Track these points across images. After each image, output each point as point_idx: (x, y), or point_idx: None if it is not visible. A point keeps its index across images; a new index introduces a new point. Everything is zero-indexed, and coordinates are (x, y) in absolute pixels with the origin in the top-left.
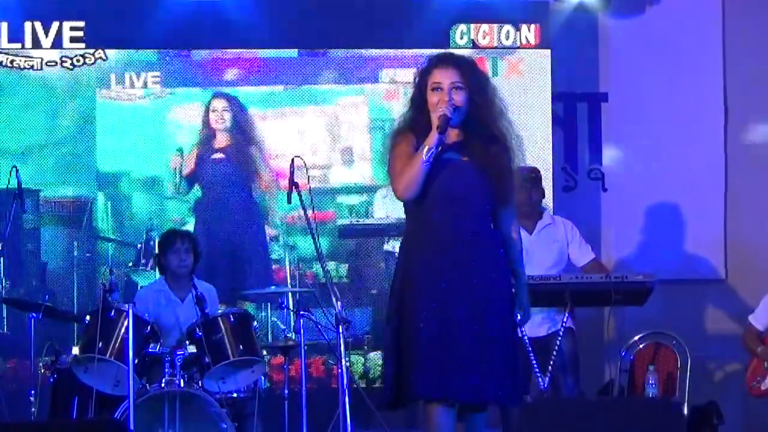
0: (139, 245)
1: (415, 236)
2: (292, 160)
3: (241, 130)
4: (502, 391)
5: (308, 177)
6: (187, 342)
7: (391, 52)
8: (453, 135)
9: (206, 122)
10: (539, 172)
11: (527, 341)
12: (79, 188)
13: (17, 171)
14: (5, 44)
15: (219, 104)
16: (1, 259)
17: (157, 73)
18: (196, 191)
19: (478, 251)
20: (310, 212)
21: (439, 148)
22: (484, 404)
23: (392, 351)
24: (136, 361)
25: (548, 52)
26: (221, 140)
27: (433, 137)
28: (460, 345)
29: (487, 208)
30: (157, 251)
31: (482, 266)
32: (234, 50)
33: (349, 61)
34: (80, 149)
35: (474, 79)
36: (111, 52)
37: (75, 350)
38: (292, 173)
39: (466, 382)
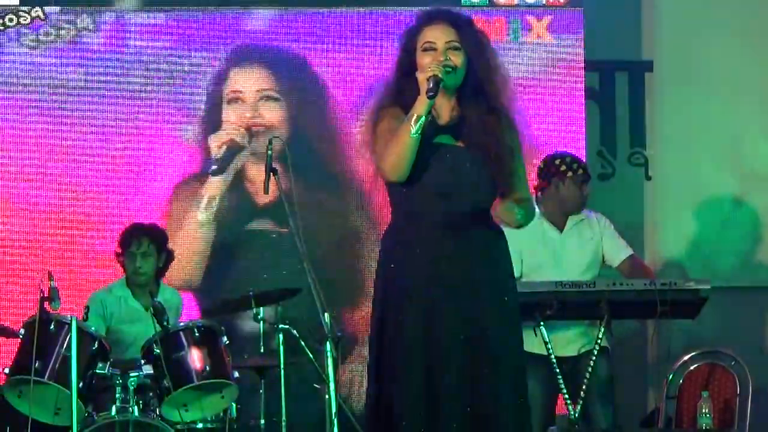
0: None
1: (401, 233)
2: (270, 140)
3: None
4: (502, 421)
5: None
6: (143, 361)
7: (396, 10)
8: (446, 112)
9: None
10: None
11: (554, 361)
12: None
13: None
14: None
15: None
16: None
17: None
18: None
19: (472, 252)
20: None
21: (429, 117)
22: None
23: (374, 370)
24: (82, 384)
25: (581, 10)
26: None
27: (422, 103)
28: (451, 367)
29: (485, 202)
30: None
31: (477, 271)
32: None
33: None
34: None
35: (473, 40)
36: (50, 9)
37: (7, 371)
38: (269, 157)
39: (457, 414)
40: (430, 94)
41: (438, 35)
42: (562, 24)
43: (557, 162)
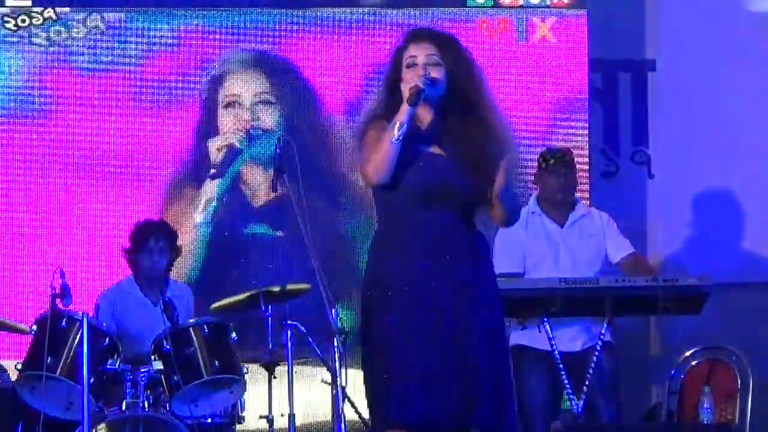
0: None
1: (385, 240)
2: (279, 139)
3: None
4: (482, 416)
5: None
6: (154, 357)
7: (402, 12)
8: (427, 118)
9: None
10: (572, 154)
11: (558, 357)
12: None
13: None
14: None
15: None
16: None
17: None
18: None
19: (457, 258)
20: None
21: (411, 124)
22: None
23: (368, 373)
24: (92, 379)
25: (585, 11)
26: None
27: (404, 111)
28: (438, 366)
29: (466, 208)
30: (128, 245)
31: (462, 276)
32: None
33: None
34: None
35: (454, 55)
36: (62, 10)
37: (19, 366)
38: (277, 156)
39: (444, 409)
40: (410, 102)
41: (419, 52)
42: (566, 25)
43: (537, 157)
